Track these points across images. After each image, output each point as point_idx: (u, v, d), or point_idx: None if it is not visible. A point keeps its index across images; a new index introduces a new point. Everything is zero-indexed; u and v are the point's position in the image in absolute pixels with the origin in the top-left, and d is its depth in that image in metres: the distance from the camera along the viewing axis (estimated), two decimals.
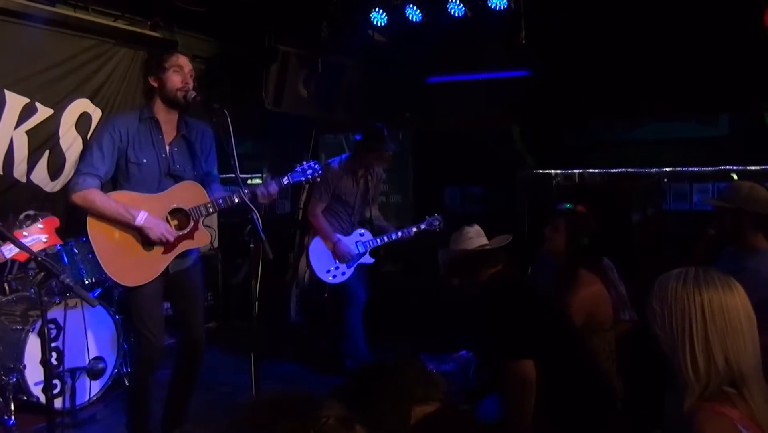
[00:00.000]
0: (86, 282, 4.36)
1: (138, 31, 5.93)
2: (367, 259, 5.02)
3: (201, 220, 3.42)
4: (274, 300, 6.00)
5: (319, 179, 3.61)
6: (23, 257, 2.63)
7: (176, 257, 3.36)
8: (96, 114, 5.64)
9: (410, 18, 5.55)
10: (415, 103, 6.98)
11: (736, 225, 3.16)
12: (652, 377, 2.95)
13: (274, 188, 3.44)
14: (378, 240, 5.02)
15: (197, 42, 6.55)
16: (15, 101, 5.06)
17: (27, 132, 4.95)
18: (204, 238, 3.46)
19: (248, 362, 3.36)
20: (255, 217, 3.24)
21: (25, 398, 3.98)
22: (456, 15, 5.40)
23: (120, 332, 4.43)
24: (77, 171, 3.22)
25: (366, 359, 4.88)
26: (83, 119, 5.31)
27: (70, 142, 5.42)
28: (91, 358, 4.24)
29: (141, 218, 3.21)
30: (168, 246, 3.32)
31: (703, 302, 1.67)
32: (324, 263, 4.88)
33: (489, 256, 3.04)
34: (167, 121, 3.44)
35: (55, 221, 2.79)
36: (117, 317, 4.46)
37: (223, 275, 6.19)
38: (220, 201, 3.42)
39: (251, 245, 3.32)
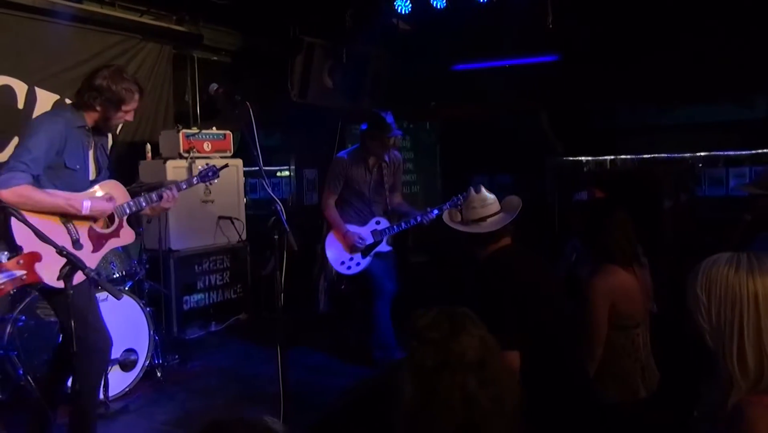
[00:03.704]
0: (117, 275, 4.43)
1: (164, 26, 5.99)
2: (384, 247, 4.94)
3: (125, 218, 3.45)
4: (303, 291, 6.02)
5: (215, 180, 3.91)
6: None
7: None
8: None
9: (434, 5, 5.48)
10: (441, 92, 6.92)
11: None
12: (677, 370, 2.88)
13: (175, 192, 3.57)
14: (395, 227, 4.93)
15: (222, 35, 6.60)
16: (46, 98, 5.15)
17: None
18: (129, 236, 3.50)
19: (277, 353, 3.36)
20: (279, 208, 3.23)
21: None
22: (481, 0, 5.33)
23: (151, 324, 4.49)
24: (9, 167, 3.05)
25: (394, 350, 4.86)
26: None
27: None
28: (123, 350, 4.31)
29: (87, 207, 3.21)
30: (97, 245, 3.32)
31: (757, 290, 1.54)
32: (338, 255, 4.87)
33: (483, 235, 2.94)
34: (93, 131, 3.44)
35: (36, 255, 2.58)
36: (148, 309, 4.52)
37: (251, 267, 6.22)
38: (142, 200, 3.48)
39: (276, 237, 3.30)
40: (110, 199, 3.36)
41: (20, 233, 3.00)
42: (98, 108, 3.29)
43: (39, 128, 3.18)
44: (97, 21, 5.39)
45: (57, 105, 4.99)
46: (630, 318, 2.90)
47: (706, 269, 1.63)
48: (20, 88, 4.98)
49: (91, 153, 3.38)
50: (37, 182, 3.13)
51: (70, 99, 5.25)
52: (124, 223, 3.47)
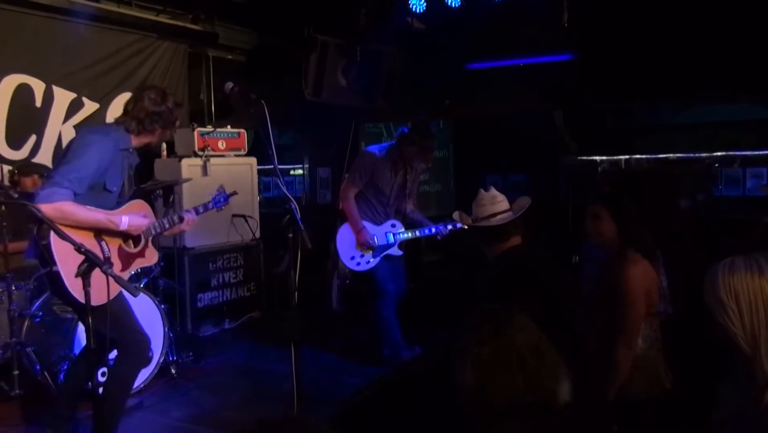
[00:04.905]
0: (132, 273, 4.45)
1: (180, 25, 6.04)
2: (395, 251, 4.94)
3: (150, 238, 3.51)
4: (317, 289, 6.04)
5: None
6: None
7: None
8: None
9: (449, 4, 5.46)
10: (455, 90, 6.88)
11: None
12: (693, 370, 2.86)
13: (193, 215, 3.69)
14: (410, 233, 4.94)
15: (237, 34, 6.63)
16: (63, 96, 5.20)
17: (74, 126, 5.08)
18: (153, 256, 3.58)
19: (290, 351, 3.37)
20: (293, 206, 3.24)
21: None
22: None
23: (165, 321, 4.52)
24: (54, 182, 3.05)
25: (401, 349, 4.87)
26: None
27: None
28: None
29: (125, 222, 3.28)
30: (124, 264, 3.39)
31: None
32: (349, 250, 4.86)
33: (494, 230, 2.93)
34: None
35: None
36: (162, 306, 4.56)
37: (265, 265, 6.25)
38: (165, 222, 3.57)
39: (290, 235, 3.32)
40: (145, 216, 3.43)
41: (59, 249, 3.04)
42: (159, 131, 3.40)
43: (90, 148, 3.15)
44: (113, 20, 5.44)
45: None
46: (653, 306, 2.91)
47: (726, 275, 1.64)
48: (38, 86, 5.04)
49: (127, 176, 3.45)
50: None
51: (87, 97, 5.36)
52: (150, 243, 3.53)
